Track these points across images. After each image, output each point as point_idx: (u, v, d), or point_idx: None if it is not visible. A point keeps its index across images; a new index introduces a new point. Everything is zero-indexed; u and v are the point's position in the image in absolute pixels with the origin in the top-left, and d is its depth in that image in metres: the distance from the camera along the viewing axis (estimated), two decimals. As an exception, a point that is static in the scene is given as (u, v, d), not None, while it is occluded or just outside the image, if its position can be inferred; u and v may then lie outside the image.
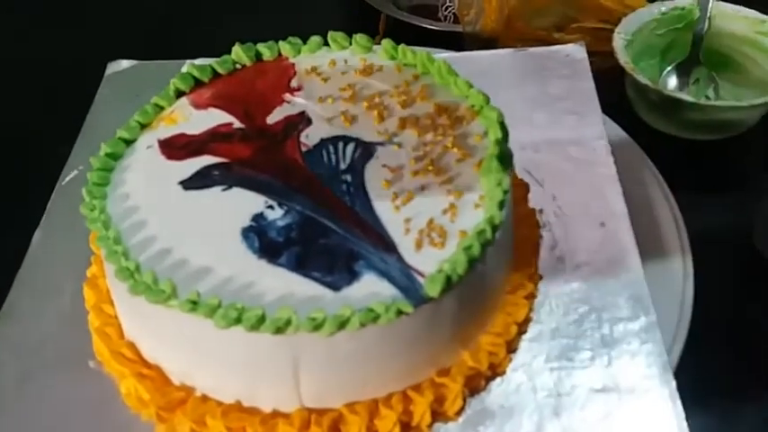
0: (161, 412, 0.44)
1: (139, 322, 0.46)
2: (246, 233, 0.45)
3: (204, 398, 0.44)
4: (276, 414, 0.43)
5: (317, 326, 0.40)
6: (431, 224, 0.44)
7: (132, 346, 0.47)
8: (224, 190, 0.47)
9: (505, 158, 0.46)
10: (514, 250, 0.50)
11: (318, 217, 0.45)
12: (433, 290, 0.41)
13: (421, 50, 0.54)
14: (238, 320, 0.40)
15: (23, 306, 0.51)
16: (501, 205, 0.44)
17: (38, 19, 0.91)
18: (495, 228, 0.43)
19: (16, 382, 0.47)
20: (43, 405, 0.46)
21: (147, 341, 0.46)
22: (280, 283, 0.42)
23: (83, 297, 0.51)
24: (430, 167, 0.47)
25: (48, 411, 0.46)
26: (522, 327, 0.47)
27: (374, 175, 0.47)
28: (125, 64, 0.69)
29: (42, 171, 0.62)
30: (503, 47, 0.71)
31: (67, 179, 0.60)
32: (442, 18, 0.83)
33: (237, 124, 0.51)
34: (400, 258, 0.43)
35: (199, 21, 0.90)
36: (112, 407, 0.46)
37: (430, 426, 0.44)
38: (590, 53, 0.65)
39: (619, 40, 0.71)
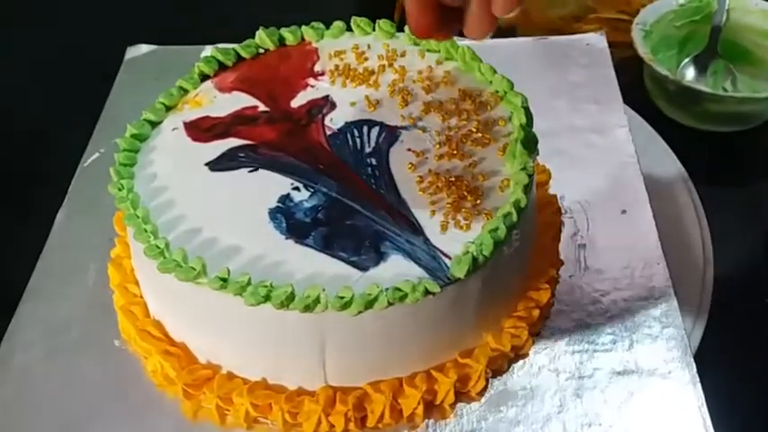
0: (187, 390, 0.45)
1: (166, 301, 0.46)
2: (274, 214, 0.45)
3: (230, 375, 0.45)
4: (301, 392, 0.44)
5: (345, 304, 0.40)
6: (456, 207, 0.45)
7: (158, 324, 0.47)
8: (250, 172, 0.48)
9: (530, 143, 0.47)
10: (537, 235, 0.51)
11: (344, 199, 0.46)
12: (459, 271, 0.41)
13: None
14: (267, 298, 0.40)
15: (48, 286, 0.52)
16: (526, 189, 0.45)
17: (56, 3, 0.91)
18: (520, 211, 0.44)
19: (43, 361, 0.48)
20: (69, 383, 0.47)
21: (174, 320, 0.47)
22: (308, 263, 0.42)
23: (106, 277, 0.51)
24: (454, 151, 0.48)
25: (74, 389, 0.46)
26: (545, 311, 0.48)
27: (399, 159, 0.48)
28: (144, 48, 0.69)
29: (63, 154, 0.62)
30: (521, 36, 0.71)
31: (89, 161, 0.60)
32: (460, 7, 0.83)
33: (262, 107, 0.52)
34: (426, 240, 0.43)
35: (215, 6, 0.90)
36: (138, 385, 0.47)
37: (453, 405, 0.44)
38: (607, 43, 0.66)
39: (637, 31, 0.71)
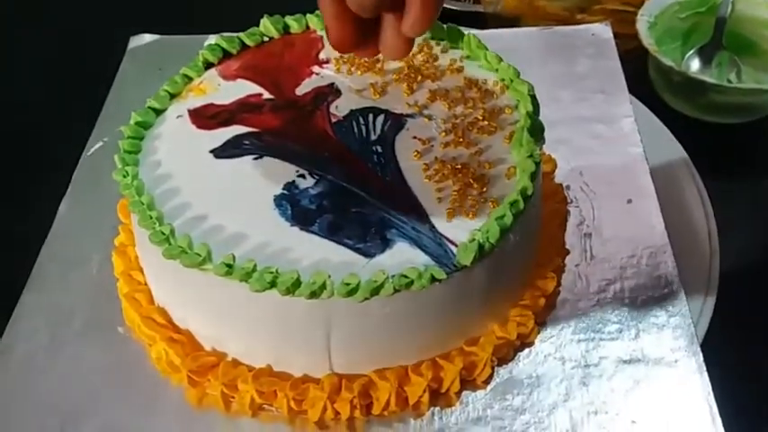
0: (192, 376, 0.45)
1: (171, 288, 0.46)
2: (279, 201, 0.45)
3: (235, 362, 0.45)
4: (306, 379, 0.44)
5: (351, 291, 0.40)
6: (462, 194, 0.44)
7: (163, 311, 0.47)
8: (255, 159, 0.48)
9: (536, 131, 0.47)
10: (543, 224, 0.50)
11: (350, 186, 0.45)
12: (465, 258, 0.41)
13: (450, 25, 0.54)
14: (273, 284, 0.40)
15: (51, 275, 0.52)
16: (533, 176, 0.44)
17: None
18: (527, 198, 0.44)
19: (46, 349, 0.48)
20: (73, 370, 0.47)
21: (179, 307, 0.46)
22: (313, 250, 0.42)
23: (110, 265, 0.51)
24: (460, 139, 0.48)
25: (78, 377, 0.46)
26: (550, 299, 0.48)
27: (405, 147, 0.47)
28: (147, 38, 0.69)
29: (66, 143, 0.62)
30: (525, 27, 0.71)
31: (92, 150, 0.60)
32: (463, -2, 0.83)
33: (267, 95, 0.52)
34: (432, 227, 0.43)
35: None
36: (142, 372, 0.46)
37: (458, 393, 0.44)
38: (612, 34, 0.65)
39: (642, 23, 0.71)
